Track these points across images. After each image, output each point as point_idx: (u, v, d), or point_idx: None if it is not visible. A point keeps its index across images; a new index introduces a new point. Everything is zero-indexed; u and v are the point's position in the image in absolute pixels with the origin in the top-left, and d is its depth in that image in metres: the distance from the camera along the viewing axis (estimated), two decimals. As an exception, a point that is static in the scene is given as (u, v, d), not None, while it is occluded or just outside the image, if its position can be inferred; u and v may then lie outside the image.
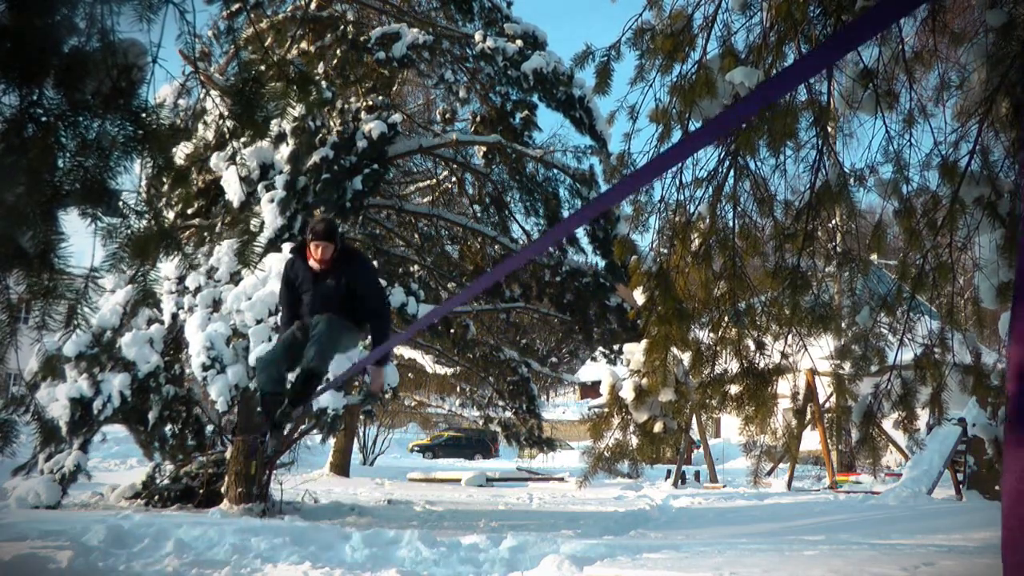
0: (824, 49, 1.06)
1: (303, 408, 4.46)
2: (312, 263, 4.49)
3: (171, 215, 9.06)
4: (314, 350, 4.29)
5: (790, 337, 5.29)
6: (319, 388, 4.56)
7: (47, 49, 2.54)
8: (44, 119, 2.56)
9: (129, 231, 2.83)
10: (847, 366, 5.33)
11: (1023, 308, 0.83)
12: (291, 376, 4.54)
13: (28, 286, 2.71)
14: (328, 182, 9.96)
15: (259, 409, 4.52)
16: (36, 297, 2.70)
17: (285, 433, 11.41)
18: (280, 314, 4.98)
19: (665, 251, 5.23)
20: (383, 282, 5.00)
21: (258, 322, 9.09)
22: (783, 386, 5.38)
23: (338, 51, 10.88)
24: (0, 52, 2.50)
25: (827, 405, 13.92)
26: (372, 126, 10.34)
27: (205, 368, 9.01)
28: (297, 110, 9.01)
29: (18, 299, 2.83)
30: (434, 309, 3.84)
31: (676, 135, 4.98)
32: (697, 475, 19.22)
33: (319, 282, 4.53)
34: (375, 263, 11.40)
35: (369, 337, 4.77)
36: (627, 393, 5.02)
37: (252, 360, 8.90)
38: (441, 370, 17.38)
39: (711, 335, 5.29)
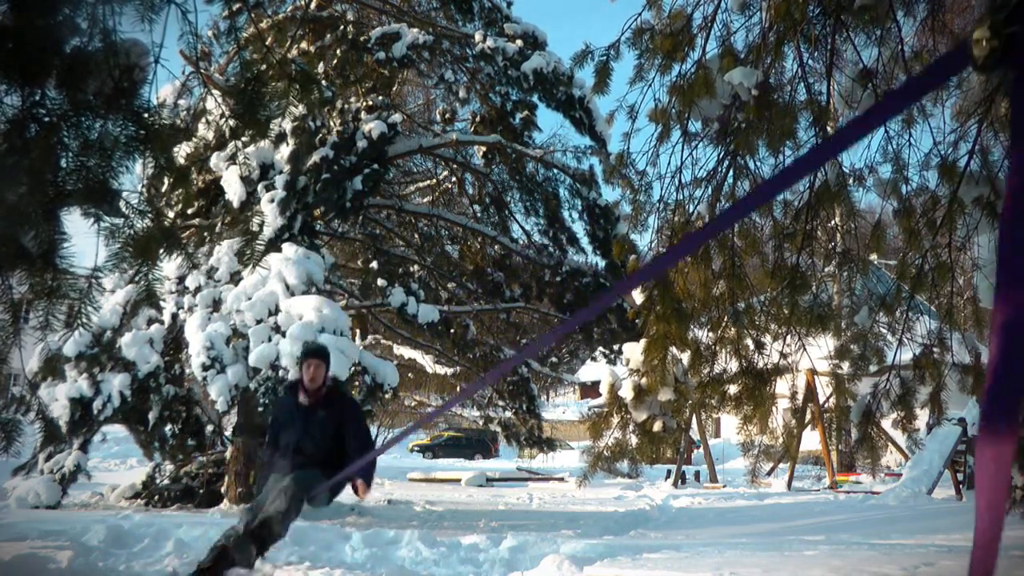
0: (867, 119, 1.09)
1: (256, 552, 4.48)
2: (302, 398, 4.58)
3: (171, 215, 9.07)
4: (277, 505, 4.32)
5: (789, 337, 5.30)
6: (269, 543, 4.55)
7: (49, 49, 2.55)
8: (46, 119, 2.57)
9: (131, 231, 2.84)
10: (846, 366, 5.33)
11: (1006, 273, 0.86)
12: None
13: (31, 286, 2.71)
14: (328, 182, 9.97)
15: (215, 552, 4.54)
16: (39, 297, 2.71)
17: None
18: (266, 449, 4.95)
19: (664, 250, 5.24)
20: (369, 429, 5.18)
21: (258, 322, 9.10)
22: (782, 386, 5.39)
23: (338, 51, 10.89)
24: (2, 52, 2.51)
25: (827, 405, 13.92)
26: (372, 126, 10.35)
27: (205, 368, 9.02)
28: (298, 110, 9.02)
29: (20, 299, 2.83)
30: (412, 425, 4.04)
31: (675, 135, 4.99)
32: (697, 475, 19.24)
33: (309, 415, 4.57)
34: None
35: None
36: (626, 392, 5.02)
37: (252, 360, 8.91)
38: (441, 370, 17.38)
39: (710, 334, 5.30)
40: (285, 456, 4.61)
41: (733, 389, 5.18)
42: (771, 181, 1.18)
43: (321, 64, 10.80)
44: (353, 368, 9.13)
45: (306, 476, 4.46)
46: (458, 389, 19.04)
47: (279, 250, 9.41)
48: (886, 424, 5.41)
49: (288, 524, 4.47)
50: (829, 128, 5.18)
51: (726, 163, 5.08)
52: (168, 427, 10.86)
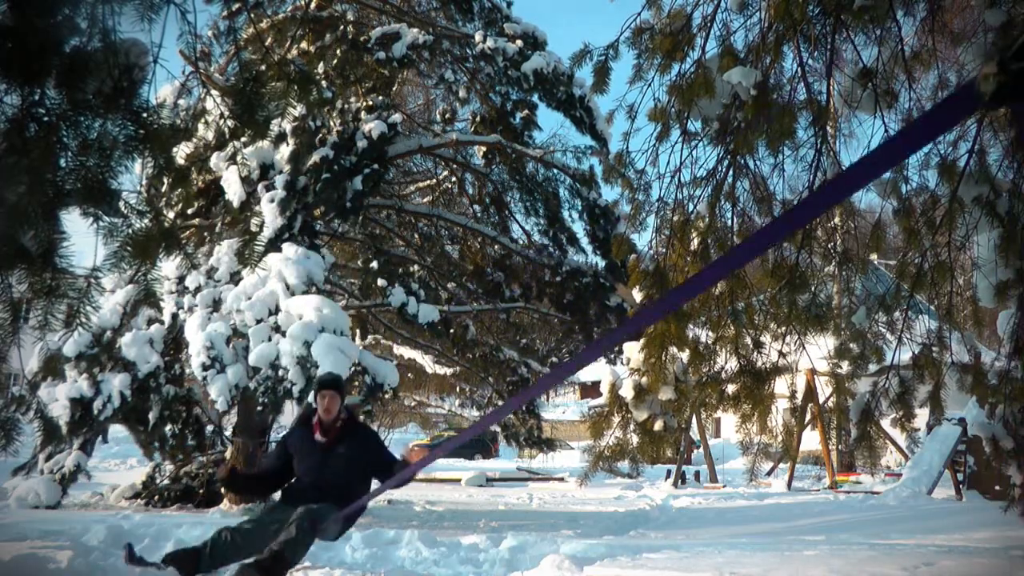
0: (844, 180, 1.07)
1: None
2: (318, 436, 4.41)
3: (171, 215, 9.08)
4: (292, 538, 3.97)
5: (788, 336, 5.30)
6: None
7: (48, 49, 2.55)
8: (46, 119, 2.57)
9: (130, 230, 2.84)
10: (845, 365, 5.33)
11: None
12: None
13: (30, 285, 2.72)
14: (328, 182, 9.97)
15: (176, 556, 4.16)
16: (39, 297, 2.71)
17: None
18: (260, 467, 4.72)
19: (664, 250, 5.24)
20: None
21: (258, 322, 9.10)
22: (782, 385, 5.39)
23: (338, 51, 10.89)
24: (1, 52, 2.51)
25: (827, 405, 13.92)
26: (372, 126, 10.35)
27: (205, 368, 9.03)
28: (298, 110, 9.02)
29: (20, 298, 2.83)
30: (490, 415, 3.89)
31: (675, 134, 4.99)
32: (697, 475, 19.22)
33: (327, 452, 4.39)
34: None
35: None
36: (627, 391, 5.03)
37: (252, 360, 8.91)
38: (441, 370, 17.38)
39: (709, 333, 5.30)
40: (301, 492, 4.36)
41: (732, 388, 5.18)
42: (785, 218, 1.16)
43: (321, 64, 10.80)
44: (353, 368, 9.13)
45: (319, 508, 4.18)
46: (457, 390, 19.01)
47: (279, 250, 9.41)
48: (886, 424, 5.42)
49: (300, 554, 4.12)
50: (829, 128, 5.18)
51: (726, 163, 5.09)
52: (168, 427, 10.85)
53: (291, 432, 4.72)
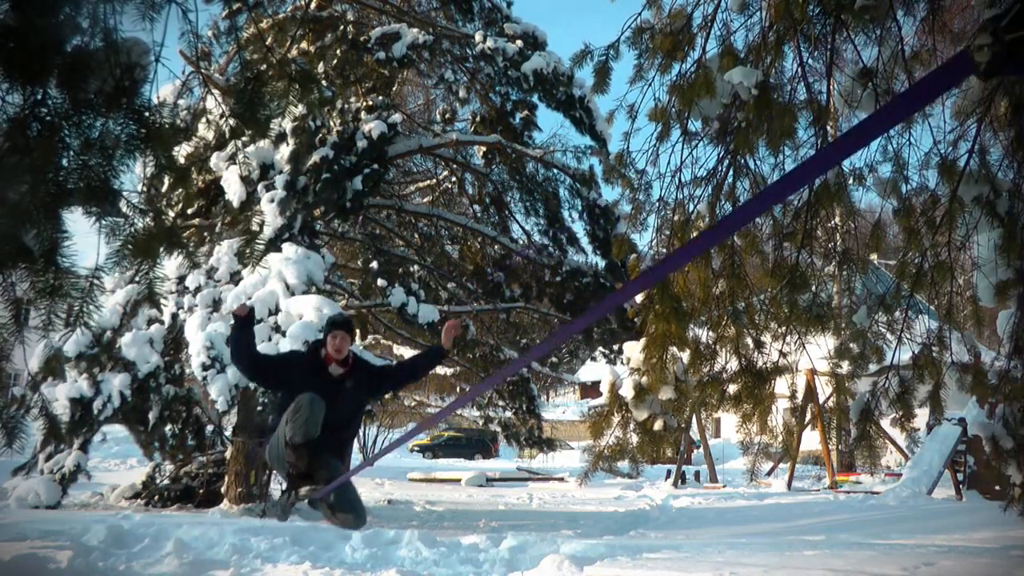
0: (846, 140, 1.07)
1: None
2: (333, 367, 4.36)
3: (171, 215, 9.08)
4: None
5: (789, 336, 5.30)
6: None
7: (50, 48, 2.55)
8: (48, 118, 2.58)
9: (132, 229, 2.85)
10: (845, 365, 5.34)
11: None
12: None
13: (32, 284, 2.72)
14: (328, 182, 9.97)
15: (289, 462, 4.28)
16: (42, 297, 2.71)
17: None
18: (248, 358, 4.55)
19: (664, 250, 5.24)
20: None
21: (258, 322, 9.10)
22: (782, 385, 5.39)
23: (338, 51, 10.89)
24: (3, 51, 2.52)
25: (827, 405, 13.92)
26: (372, 126, 10.35)
27: (205, 368, 9.03)
28: (298, 109, 9.02)
29: (22, 298, 2.83)
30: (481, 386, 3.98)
31: (675, 134, 4.99)
32: (697, 475, 19.22)
33: (338, 386, 4.34)
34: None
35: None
36: (627, 391, 5.03)
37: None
38: (441, 370, 17.38)
39: (710, 333, 5.31)
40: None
41: (733, 388, 5.18)
42: (771, 188, 1.16)
43: (321, 64, 10.80)
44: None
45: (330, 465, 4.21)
46: (458, 391, 19.03)
47: (279, 250, 9.41)
48: (886, 424, 5.42)
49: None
50: (829, 128, 5.18)
51: (726, 162, 5.09)
52: (168, 427, 10.86)
53: (296, 357, 4.65)
